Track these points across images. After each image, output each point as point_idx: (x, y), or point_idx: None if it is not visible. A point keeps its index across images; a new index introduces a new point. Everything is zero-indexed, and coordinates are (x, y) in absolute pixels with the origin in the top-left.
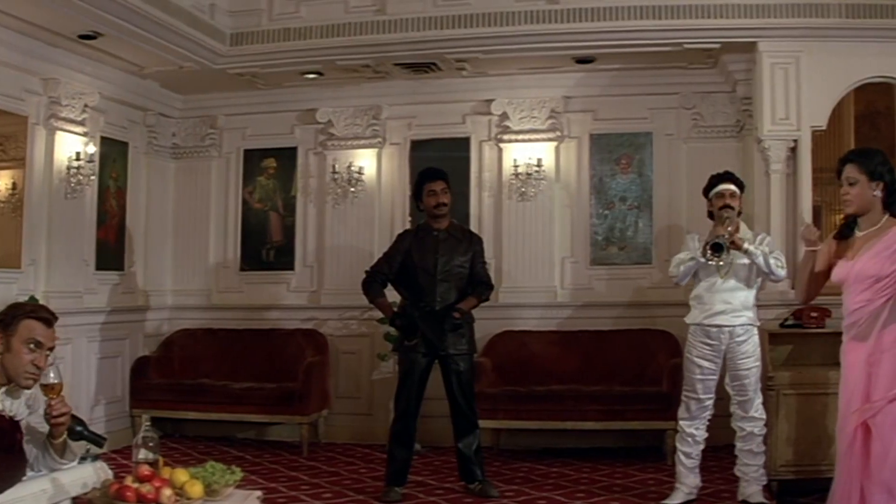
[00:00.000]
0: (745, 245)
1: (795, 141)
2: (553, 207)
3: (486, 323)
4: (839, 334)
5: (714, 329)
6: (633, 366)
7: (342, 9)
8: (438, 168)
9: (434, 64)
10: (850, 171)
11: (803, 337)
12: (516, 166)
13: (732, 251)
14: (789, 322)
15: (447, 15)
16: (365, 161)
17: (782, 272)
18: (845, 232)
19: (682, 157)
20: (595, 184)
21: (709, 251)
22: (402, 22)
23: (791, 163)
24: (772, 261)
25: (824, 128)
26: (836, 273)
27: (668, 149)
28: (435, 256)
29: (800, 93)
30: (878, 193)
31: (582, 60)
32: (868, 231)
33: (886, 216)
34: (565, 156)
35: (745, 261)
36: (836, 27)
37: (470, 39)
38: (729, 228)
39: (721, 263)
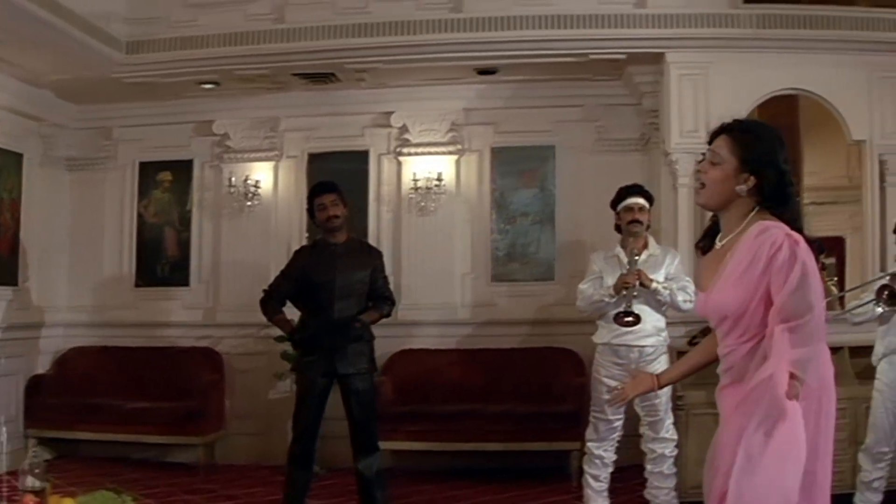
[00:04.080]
0: (654, 285)
1: (704, 154)
2: (453, 222)
3: (386, 341)
4: None
5: (623, 348)
6: (537, 385)
7: (241, 17)
8: (328, 181)
9: (333, 74)
10: (720, 144)
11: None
12: (416, 180)
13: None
14: (698, 339)
15: (347, 24)
16: (262, 174)
17: (689, 306)
18: (704, 242)
19: (585, 171)
20: (496, 198)
21: (623, 318)
22: (302, 31)
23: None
24: (679, 297)
25: None
26: (696, 307)
27: (571, 162)
28: (333, 272)
29: (709, 105)
30: (743, 190)
31: (484, 72)
32: (728, 239)
33: (754, 212)
34: (466, 169)
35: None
36: (746, 38)
37: (370, 49)
38: (636, 270)
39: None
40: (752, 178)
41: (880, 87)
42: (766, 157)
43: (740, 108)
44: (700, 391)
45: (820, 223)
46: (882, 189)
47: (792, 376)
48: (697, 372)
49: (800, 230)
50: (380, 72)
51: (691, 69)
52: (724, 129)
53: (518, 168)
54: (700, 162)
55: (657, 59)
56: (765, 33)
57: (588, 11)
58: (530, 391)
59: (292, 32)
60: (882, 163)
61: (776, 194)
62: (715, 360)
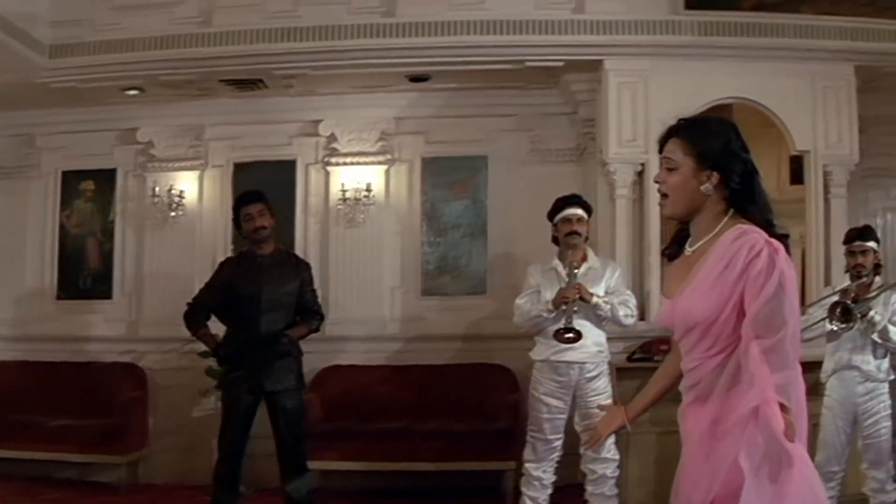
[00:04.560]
0: (594, 299)
1: (643, 164)
2: (382, 234)
3: (313, 356)
4: None
5: (563, 365)
6: (469, 402)
7: (167, 20)
8: (255, 190)
9: (261, 81)
10: (673, 148)
11: (652, 371)
12: (344, 191)
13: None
14: (637, 355)
15: (276, 28)
16: (186, 184)
17: (631, 321)
18: (672, 248)
19: (519, 182)
20: (427, 210)
21: (563, 335)
22: (229, 35)
23: (638, 188)
24: (620, 312)
25: None
26: (660, 317)
27: (504, 173)
28: (260, 285)
29: (648, 113)
30: (710, 189)
31: (416, 79)
32: (700, 244)
33: (725, 219)
34: (396, 180)
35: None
36: (686, 45)
37: (299, 54)
38: (576, 284)
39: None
40: (714, 173)
41: (824, 97)
42: (722, 148)
43: (680, 116)
44: None
45: None
46: (826, 201)
47: (780, 407)
48: (663, 398)
49: (770, 222)
50: (309, 78)
51: (630, 77)
52: (671, 133)
53: (449, 179)
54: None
55: (595, 66)
56: (706, 41)
57: (524, 17)
58: (463, 408)
59: (219, 36)
60: (826, 174)
61: (744, 186)
62: (678, 382)
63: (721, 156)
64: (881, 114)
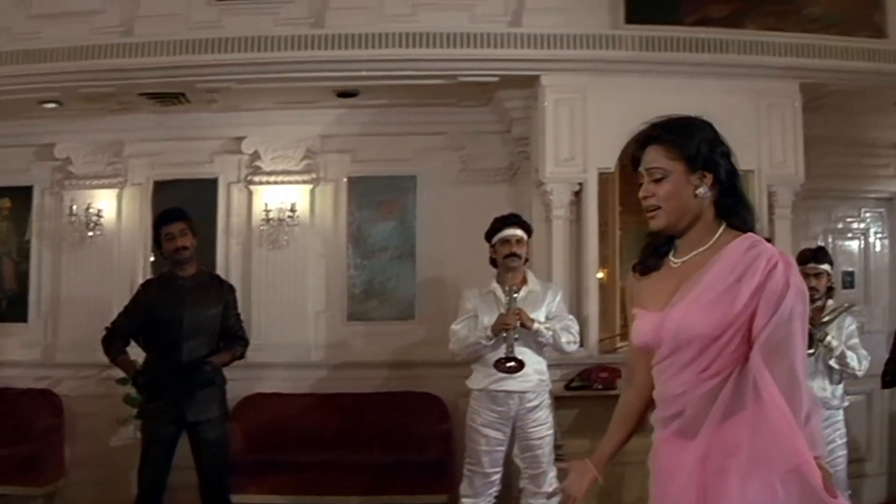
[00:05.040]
0: (535, 325)
1: (581, 184)
2: (307, 257)
3: (233, 384)
4: None
5: (502, 394)
6: (398, 432)
7: (87, 30)
8: (176, 208)
9: (183, 95)
10: (655, 156)
11: (591, 400)
12: (268, 211)
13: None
14: (576, 383)
15: (200, 38)
16: (104, 203)
17: (574, 348)
18: (649, 262)
19: (448, 203)
20: (353, 231)
21: (504, 364)
22: (151, 45)
23: (575, 208)
24: (563, 339)
25: (612, 170)
26: (639, 332)
27: (433, 194)
28: (181, 308)
29: (586, 131)
30: (706, 191)
31: (344, 94)
32: (692, 255)
33: (722, 228)
34: (321, 200)
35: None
36: (627, 60)
37: (223, 66)
38: (516, 309)
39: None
40: (706, 174)
41: (769, 115)
42: (709, 147)
43: (620, 135)
44: (582, 439)
45: None
46: (771, 222)
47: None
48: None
49: (752, 227)
50: (232, 93)
51: (568, 93)
52: (648, 141)
53: (377, 199)
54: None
55: (531, 82)
56: (647, 56)
57: (458, 30)
58: (391, 439)
59: (141, 47)
60: (771, 194)
61: (729, 187)
62: (646, 417)
63: (710, 154)
64: (823, 134)
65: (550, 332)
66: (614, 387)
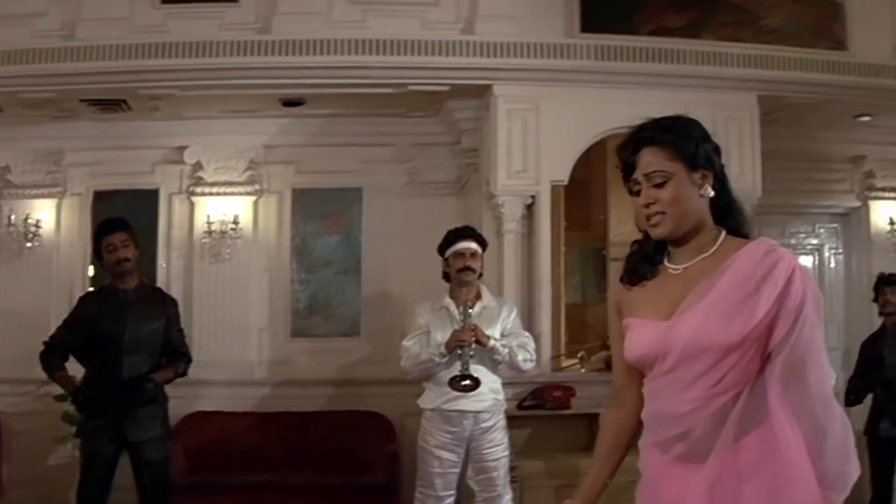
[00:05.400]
0: (491, 342)
1: (533, 197)
2: (250, 271)
3: (174, 402)
4: (588, 416)
5: (456, 414)
6: (343, 453)
7: (27, 33)
8: (118, 217)
9: (124, 102)
10: (653, 159)
11: (544, 420)
12: (210, 223)
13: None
14: (528, 402)
15: (143, 43)
16: (43, 213)
17: (530, 366)
18: (641, 269)
19: (395, 217)
20: (297, 245)
21: (459, 383)
22: (93, 49)
23: (527, 221)
24: (519, 356)
25: (566, 182)
26: (637, 343)
27: (379, 207)
28: (122, 322)
29: (539, 143)
30: (709, 191)
31: (290, 103)
32: (695, 262)
33: (723, 233)
34: (265, 212)
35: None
36: (582, 70)
37: (167, 72)
38: (471, 325)
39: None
40: (707, 173)
41: (726, 127)
42: (704, 143)
43: (574, 146)
44: (536, 461)
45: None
46: None
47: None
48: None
49: (750, 230)
50: (176, 100)
51: (521, 103)
52: (641, 144)
53: (321, 212)
54: (636, 195)
55: (482, 92)
56: (602, 66)
57: (409, 37)
58: (336, 459)
59: (82, 51)
60: None
61: (723, 187)
62: (636, 440)
63: (707, 152)
64: (777, 148)
65: (507, 350)
66: (568, 406)
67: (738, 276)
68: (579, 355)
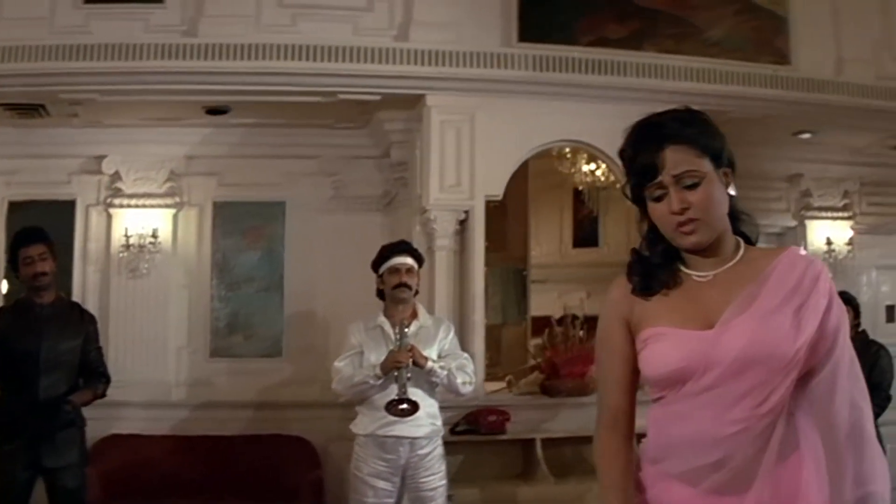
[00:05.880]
0: (429, 364)
1: (467, 212)
2: (168, 287)
3: (89, 424)
4: (524, 441)
5: (391, 440)
6: (265, 479)
7: None
8: (36, 228)
9: (42, 107)
10: (682, 157)
11: (478, 445)
12: (128, 236)
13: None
14: (462, 427)
15: (64, 44)
16: None
17: (469, 389)
18: (660, 276)
19: (319, 232)
20: (218, 260)
21: (397, 407)
22: (11, 51)
23: (460, 238)
24: (458, 379)
25: (500, 197)
26: (671, 356)
27: (303, 222)
28: (38, 339)
29: (474, 156)
30: (733, 187)
31: (214, 111)
32: (724, 269)
33: (742, 242)
34: (184, 226)
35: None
36: (519, 81)
37: (88, 75)
38: (409, 346)
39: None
40: (728, 170)
41: None
42: (722, 139)
43: (510, 160)
44: (471, 489)
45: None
46: None
47: None
48: None
49: (757, 236)
50: (96, 107)
51: (455, 114)
52: (664, 141)
53: (243, 226)
54: (654, 202)
55: (415, 102)
56: (541, 77)
57: (340, 43)
58: (258, 486)
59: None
60: None
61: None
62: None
63: (727, 147)
64: None
65: (445, 372)
66: (503, 431)
67: (783, 286)
68: (507, 379)
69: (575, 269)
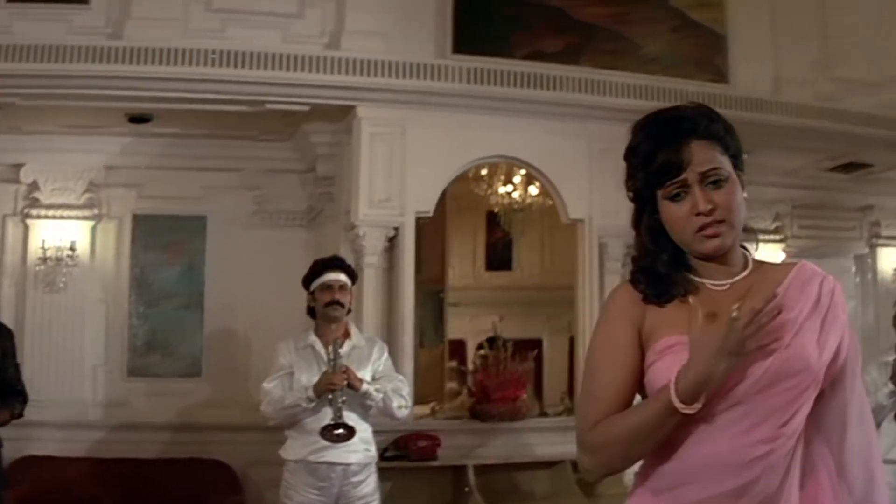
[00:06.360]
0: (364, 386)
1: (397, 228)
2: (85, 302)
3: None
4: (454, 468)
5: (323, 466)
6: None
7: None
8: None
9: None
10: (709, 155)
11: (408, 472)
12: (45, 249)
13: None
14: (391, 452)
15: None
16: None
17: (405, 413)
18: (678, 283)
19: (241, 248)
20: (136, 275)
21: (332, 432)
22: None
23: (389, 255)
24: (394, 403)
25: (431, 214)
26: None
27: (225, 237)
28: None
29: (405, 170)
30: (746, 196)
31: (137, 119)
32: (738, 279)
33: (748, 252)
34: (103, 239)
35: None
36: (452, 93)
37: (10, 77)
38: (343, 367)
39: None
40: (741, 174)
41: (601, 160)
42: (739, 139)
43: (441, 175)
44: None
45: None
46: (601, 276)
47: None
48: None
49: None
50: (15, 111)
51: (386, 126)
52: (687, 136)
53: (163, 241)
54: (674, 200)
55: (344, 113)
56: (475, 90)
57: (269, 50)
58: None
59: None
60: (602, 246)
61: None
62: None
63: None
64: None
65: (381, 395)
66: (434, 457)
67: (805, 298)
68: (431, 404)
69: (488, 292)
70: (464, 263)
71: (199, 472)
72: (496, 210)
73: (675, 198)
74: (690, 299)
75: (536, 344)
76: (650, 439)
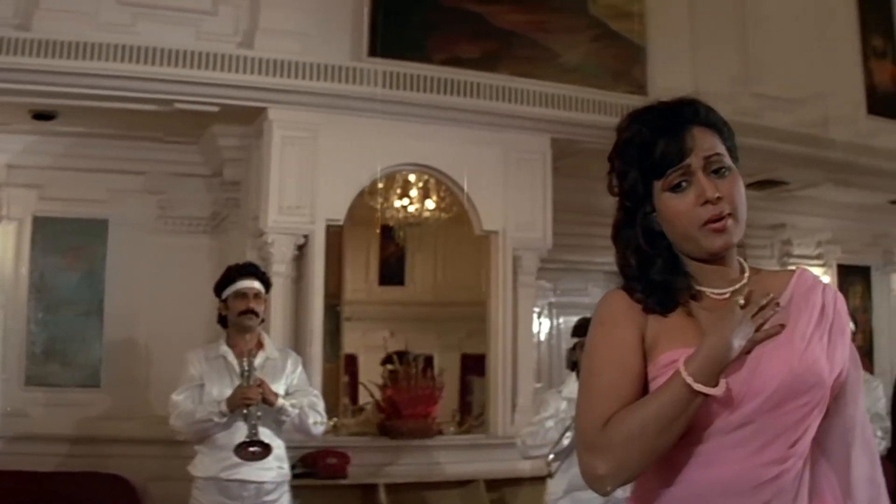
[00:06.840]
0: (279, 401)
1: (307, 236)
2: None
3: None
4: (364, 487)
5: (235, 484)
6: None
7: None
8: None
9: None
10: (709, 139)
11: (316, 490)
12: None
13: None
14: (299, 470)
15: None
16: None
17: (321, 429)
18: (682, 290)
19: (143, 254)
20: (36, 280)
21: (247, 450)
22: None
23: (297, 264)
24: (309, 419)
25: (342, 222)
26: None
27: (127, 242)
28: None
29: (316, 176)
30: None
31: (41, 116)
32: (738, 286)
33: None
34: (2, 241)
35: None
36: (367, 98)
37: None
38: (258, 380)
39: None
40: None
41: (517, 169)
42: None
43: (354, 182)
44: None
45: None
46: (514, 289)
47: None
48: None
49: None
50: None
51: (298, 130)
52: (688, 121)
53: (64, 245)
54: (677, 191)
55: (255, 116)
56: (391, 94)
57: (180, 46)
58: None
59: None
60: (515, 259)
61: None
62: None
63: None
64: (558, 199)
65: (297, 411)
66: (345, 475)
67: (810, 309)
68: (332, 421)
69: (380, 306)
70: (357, 277)
71: (98, 486)
72: (391, 224)
73: (676, 188)
74: (732, 295)
75: (427, 361)
76: (672, 429)
